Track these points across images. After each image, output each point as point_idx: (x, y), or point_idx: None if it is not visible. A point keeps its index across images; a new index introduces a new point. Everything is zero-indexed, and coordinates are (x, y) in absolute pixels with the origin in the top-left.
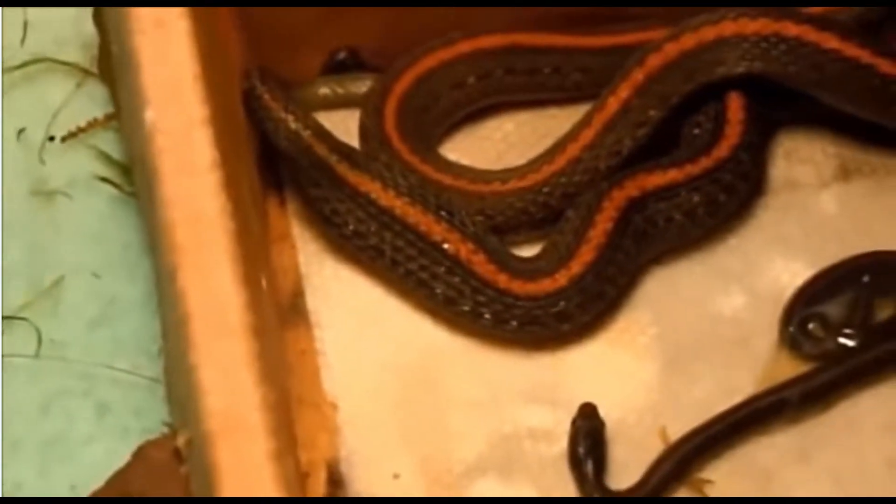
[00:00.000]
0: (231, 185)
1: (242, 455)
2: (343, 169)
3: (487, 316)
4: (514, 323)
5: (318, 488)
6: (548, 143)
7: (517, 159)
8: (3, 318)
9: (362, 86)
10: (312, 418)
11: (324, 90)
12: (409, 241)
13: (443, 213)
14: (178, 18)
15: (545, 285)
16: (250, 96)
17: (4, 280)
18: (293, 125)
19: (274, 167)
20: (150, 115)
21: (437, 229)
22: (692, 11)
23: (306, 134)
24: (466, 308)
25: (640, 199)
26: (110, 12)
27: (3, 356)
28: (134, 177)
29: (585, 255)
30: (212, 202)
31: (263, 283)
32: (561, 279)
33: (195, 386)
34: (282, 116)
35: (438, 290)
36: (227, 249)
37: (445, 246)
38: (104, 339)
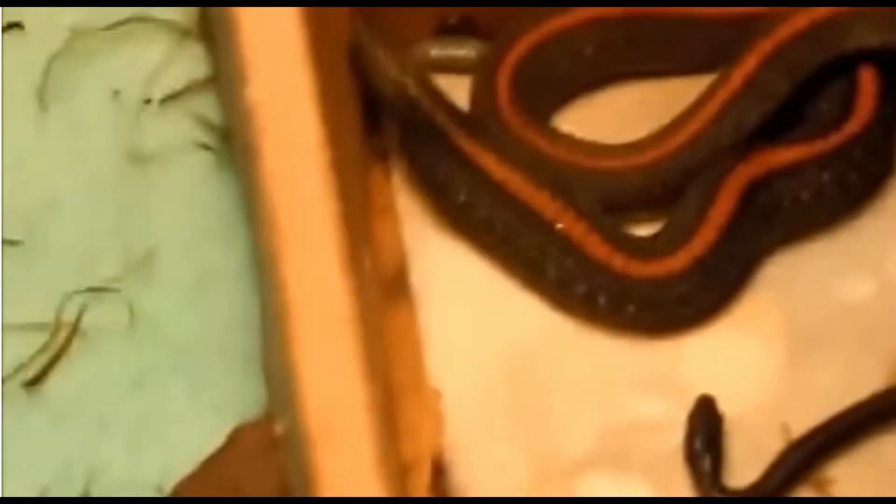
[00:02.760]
0: (338, 162)
1: (346, 458)
2: (461, 137)
3: (603, 300)
4: (632, 307)
5: (423, 480)
6: (667, 116)
7: (636, 132)
8: (94, 289)
9: (473, 51)
10: (416, 406)
11: (435, 52)
12: (521, 218)
13: (558, 191)
14: None
15: (665, 266)
16: (359, 55)
17: (95, 249)
18: (413, 90)
19: (378, 134)
20: (252, 88)
21: (551, 207)
22: None
23: (426, 99)
24: (581, 291)
25: (764, 177)
26: None
27: (94, 329)
28: (233, 143)
29: (707, 234)
30: (317, 184)
31: (367, 262)
32: (682, 260)
33: (296, 382)
34: (399, 80)
35: (550, 271)
36: (333, 235)
37: (559, 225)
38: (200, 312)
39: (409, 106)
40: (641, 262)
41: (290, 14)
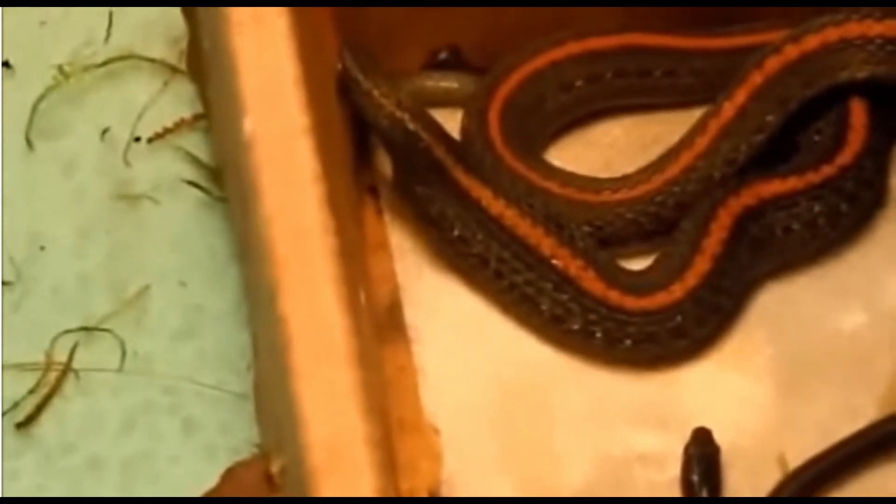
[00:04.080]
0: (333, 197)
1: (347, 492)
2: (457, 171)
3: (599, 335)
4: (629, 341)
5: None
6: (658, 149)
7: (626, 166)
8: (85, 329)
9: (463, 85)
10: (414, 443)
11: (425, 85)
12: (515, 253)
13: (552, 226)
14: (276, 17)
15: (660, 299)
16: (351, 88)
17: (86, 289)
18: (410, 124)
19: (367, 169)
20: (249, 123)
21: (546, 243)
22: (810, 13)
23: (424, 133)
24: (576, 326)
25: (757, 208)
26: (202, 8)
27: (84, 370)
28: (224, 181)
29: (700, 265)
30: (315, 217)
31: (362, 297)
32: (676, 292)
33: (297, 415)
34: (396, 114)
35: (545, 307)
36: (331, 269)
37: (554, 261)
38: (190, 351)
39: (406, 140)
40: (637, 296)
41: (286, 48)
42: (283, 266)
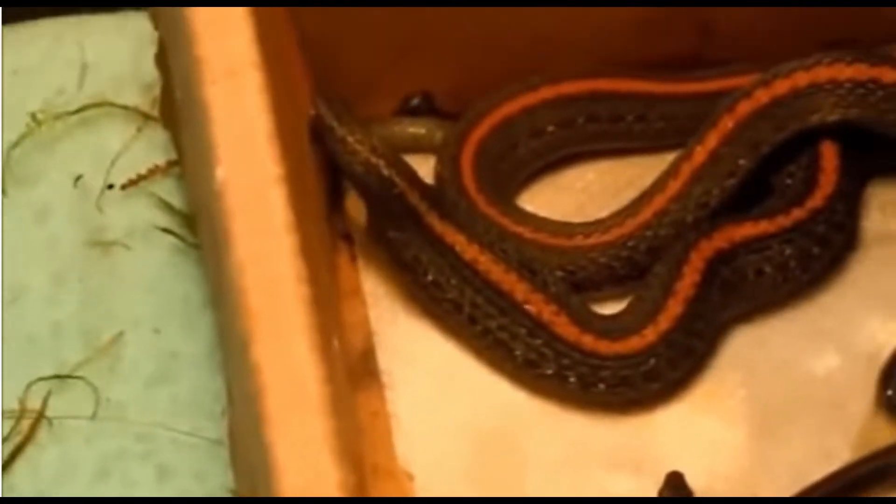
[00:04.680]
0: (306, 245)
1: None
2: (431, 217)
3: (573, 379)
4: (602, 385)
5: None
6: (630, 193)
7: (598, 210)
8: (59, 376)
9: (436, 130)
10: (388, 489)
11: (398, 131)
12: (489, 299)
13: (525, 271)
14: (250, 68)
15: (633, 343)
16: (324, 135)
17: (59, 336)
18: (385, 171)
19: (340, 215)
20: (221, 172)
21: (519, 288)
22: (781, 57)
23: (398, 179)
24: (550, 371)
25: (728, 251)
26: (175, 57)
27: (58, 417)
28: (197, 228)
29: (673, 309)
30: (287, 267)
31: (336, 344)
32: (649, 336)
33: (270, 463)
34: (371, 160)
35: (518, 352)
36: (304, 317)
37: (528, 307)
38: (164, 398)
39: (381, 186)
40: (610, 340)
41: (259, 99)
42: (255, 315)
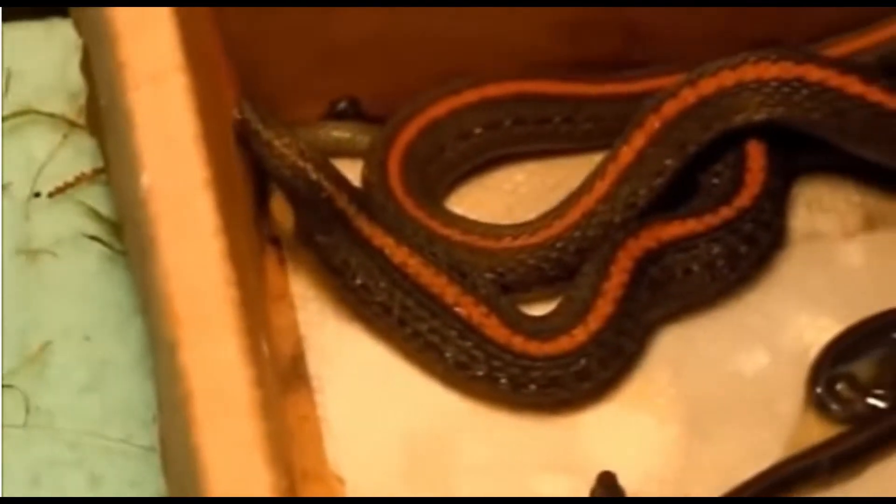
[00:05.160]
0: (234, 249)
1: None
2: (360, 220)
3: (504, 381)
4: (533, 386)
5: None
6: (558, 194)
7: (526, 212)
8: None
9: (362, 135)
10: (318, 493)
11: (324, 135)
12: (419, 302)
13: (455, 274)
14: (174, 72)
15: (563, 344)
16: (250, 139)
17: None
18: (313, 174)
19: (267, 219)
20: (146, 179)
21: (449, 291)
22: (707, 57)
23: (326, 183)
24: (481, 373)
25: (656, 250)
26: (99, 63)
27: None
28: (124, 234)
29: (602, 309)
30: (214, 271)
31: (265, 347)
32: (579, 336)
33: (199, 468)
34: (298, 164)
35: (449, 354)
36: (231, 321)
37: (457, 309)
38: (95, 405)
39: (309, 190)
40: (540, 341)
41: (183, 103)
42: (182, 318)
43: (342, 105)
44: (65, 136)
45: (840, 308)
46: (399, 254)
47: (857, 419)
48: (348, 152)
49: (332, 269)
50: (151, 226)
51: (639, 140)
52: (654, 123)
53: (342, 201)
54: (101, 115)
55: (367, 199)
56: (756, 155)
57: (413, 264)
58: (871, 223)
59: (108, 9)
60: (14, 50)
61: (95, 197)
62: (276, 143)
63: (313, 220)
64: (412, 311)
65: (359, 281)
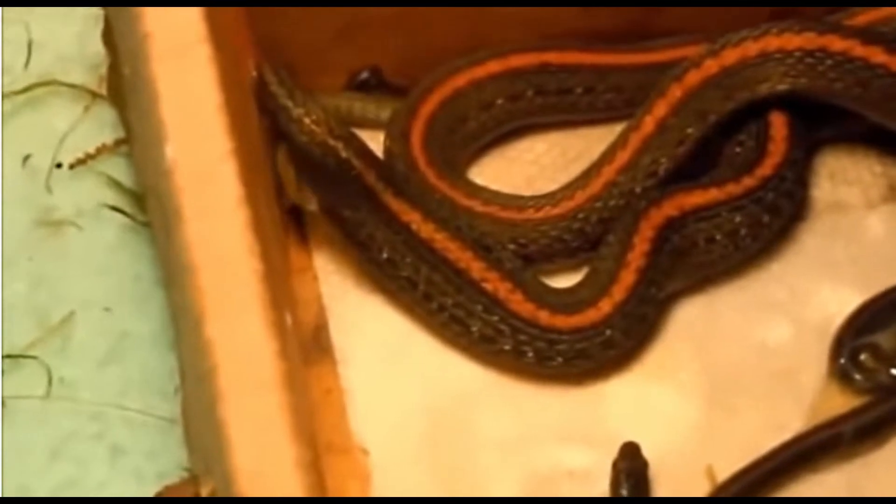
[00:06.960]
0: (257, 220)
1: None
2: (387, 196)
3: (530, 354)
4: (560, 359)
5: None
6: (580, 165)
7: (548, 182)
8: (9, 357)
9: (385, 106)
10: (343, 465)
11: (346, 107)
12: (445, 276)
13: (480, 249)
14: (198, 43)
15: (589, 316)
16: (277, 114)
17: (10, 317)
18: (343, 152)
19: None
20: (170, 150)
21: (475, 266)
22: (729, 27)
23: (356, 160)
24: (507, 347)
25: (679, 219)
26: (122, 34)
27: (10, 398)
28: (147, 206)
29: (626, 279)
30: (239, 243)
31: (288, 320)
32: (605, 307)
33: (224, 441)
34: (328, 141)
35: (474, 329)
36: (256, 293)
37: (484, 284)
38: (116, 377)
39: (338, 166)
40: (566, 314)
41: (207, 74)
42: (207, 291)
43: (364, 75)
44: (86, 107)
45: (863, 278)
46: (425, 229)
47: (881, 389)
48: (370, 123)
49: (357, 244)
50: (175, 197)
51: (661, 109)
52: (676, 93)
53: (371, 178)
54: (123, 85)
55: (393, 172)
56: (779, 125)
57: (439, 239)
58: (893, 194)
59: None
60: (34, 21)
61: (117, 168)
62: (306, 119)
63: (339, 195)
64: (438, 286)
65: (385, 255)
